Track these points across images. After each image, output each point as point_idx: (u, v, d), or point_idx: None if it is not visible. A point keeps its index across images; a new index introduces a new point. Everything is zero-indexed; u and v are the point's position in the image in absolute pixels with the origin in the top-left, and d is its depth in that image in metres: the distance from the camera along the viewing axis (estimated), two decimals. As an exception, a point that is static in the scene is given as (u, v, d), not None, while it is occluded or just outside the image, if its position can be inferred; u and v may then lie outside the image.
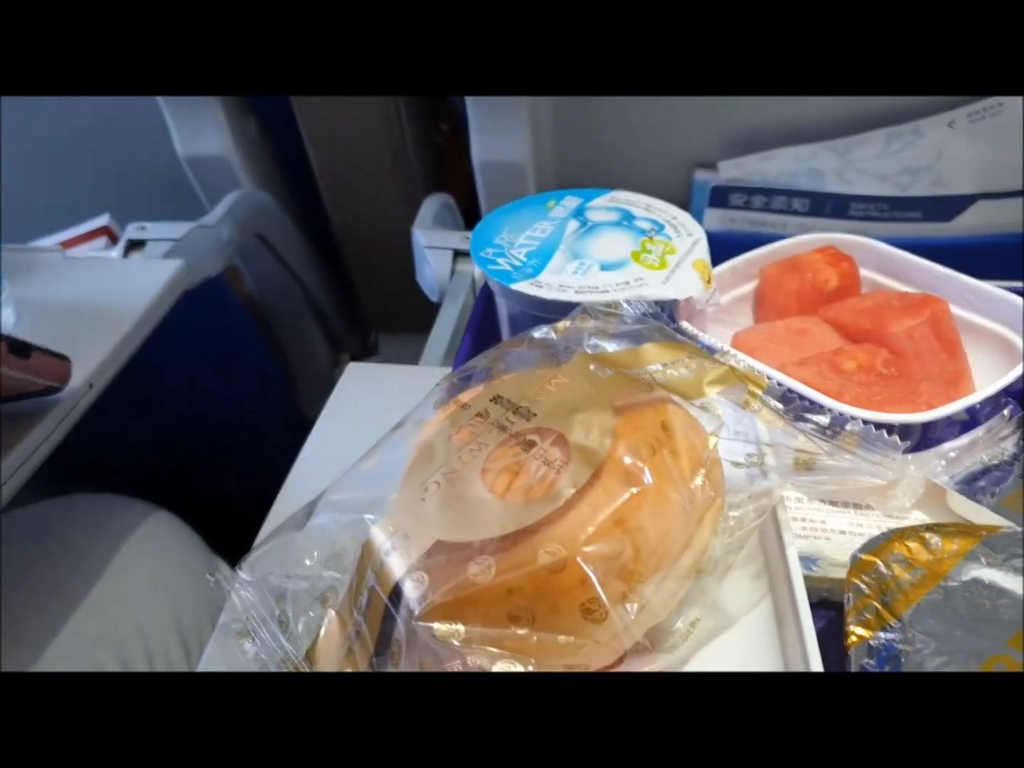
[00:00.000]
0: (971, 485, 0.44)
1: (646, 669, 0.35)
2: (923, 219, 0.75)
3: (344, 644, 0.34)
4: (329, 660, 0.34)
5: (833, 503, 0.45)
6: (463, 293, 0.63)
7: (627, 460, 0.33)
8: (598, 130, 0.75)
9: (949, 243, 0.76)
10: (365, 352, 0.90)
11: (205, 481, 0.75)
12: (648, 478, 0.33)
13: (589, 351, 0.40)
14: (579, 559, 0.31)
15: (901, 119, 0.71)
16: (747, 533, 0.36)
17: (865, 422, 0.37)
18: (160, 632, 0.63)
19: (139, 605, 0.65)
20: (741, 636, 0.37)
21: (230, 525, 0.61)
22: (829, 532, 0.43)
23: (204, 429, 0.78)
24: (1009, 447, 0.46)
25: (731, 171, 0.74)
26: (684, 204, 0.77)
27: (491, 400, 0.37)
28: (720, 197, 0.75)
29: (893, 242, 0.61)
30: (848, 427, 0.37)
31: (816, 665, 0.33)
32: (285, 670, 0.34)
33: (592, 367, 0.38)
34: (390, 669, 0.32)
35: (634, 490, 0.33)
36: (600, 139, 0.75)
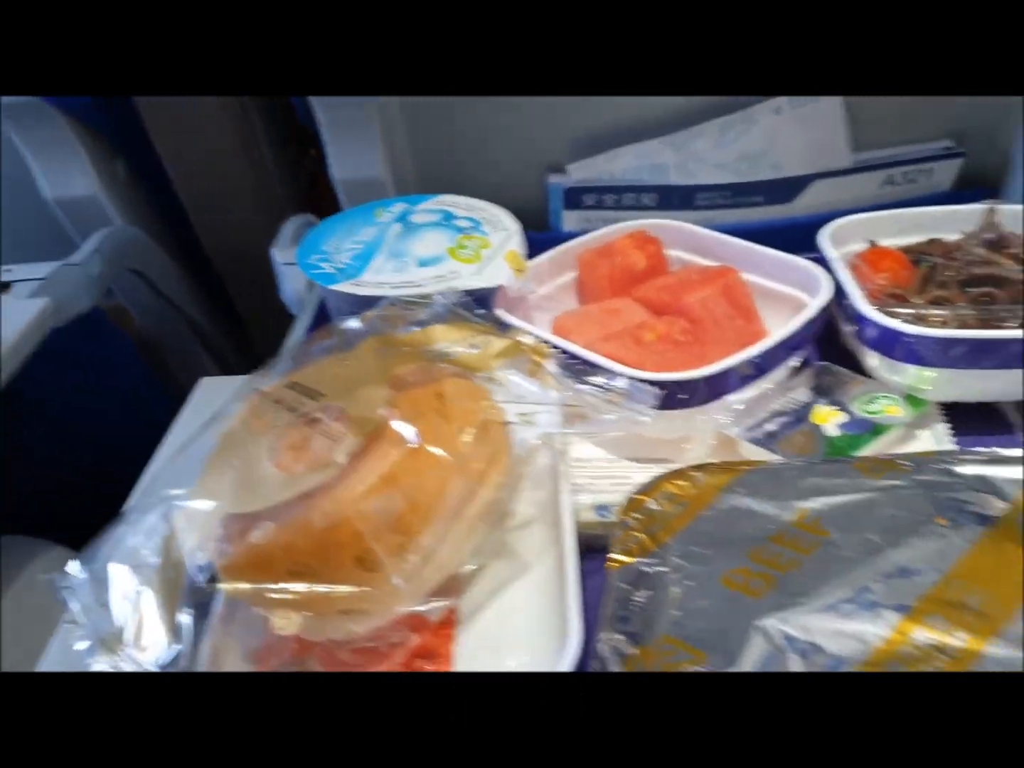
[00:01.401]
0: (758, 431, 0.48)
1: (440, 608, 0.38)
2: (766, 202, 0.80)
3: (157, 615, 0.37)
4: (142, 631, 0.37)
5: (639, 461, 0.49)
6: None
7: (399, 426, 0.37)
8: (453, 142, 0.78)
9: (793, 222, 0.81)
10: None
11: (106, 513, 0.77)
12: (416, 440, 0.36)
13: (388, 335, 0.44)
14: (351, 516, 0.35)
15: (731, 109, 0.75)
16: (517, 479, 0.39)
17: (631, 379, 0.41)
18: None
19: (35, 636, 0.67)
20: (533, 580, 0.41)
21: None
22: (633, 485, 0.47)
23: (101, 465, 0.81)
24: (800, 396, 0.50)
25: (580, 172, 0.78)
26: (542, 208, 0.81)
27: (287, 387, 0.41)
28: (574, 198, 0.79)
29: (740, 227, 0.66)
30: (615, 384, 0.41)
31: (574, 591, 0.36)
32: (106, 647, 0.37)
33: (377, 348, 0.41)
34: (185, 619, 0.35)
35: (404, 451, 0.36)
36: (456, 151, 0.79)
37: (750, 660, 0.33)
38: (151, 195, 0.83)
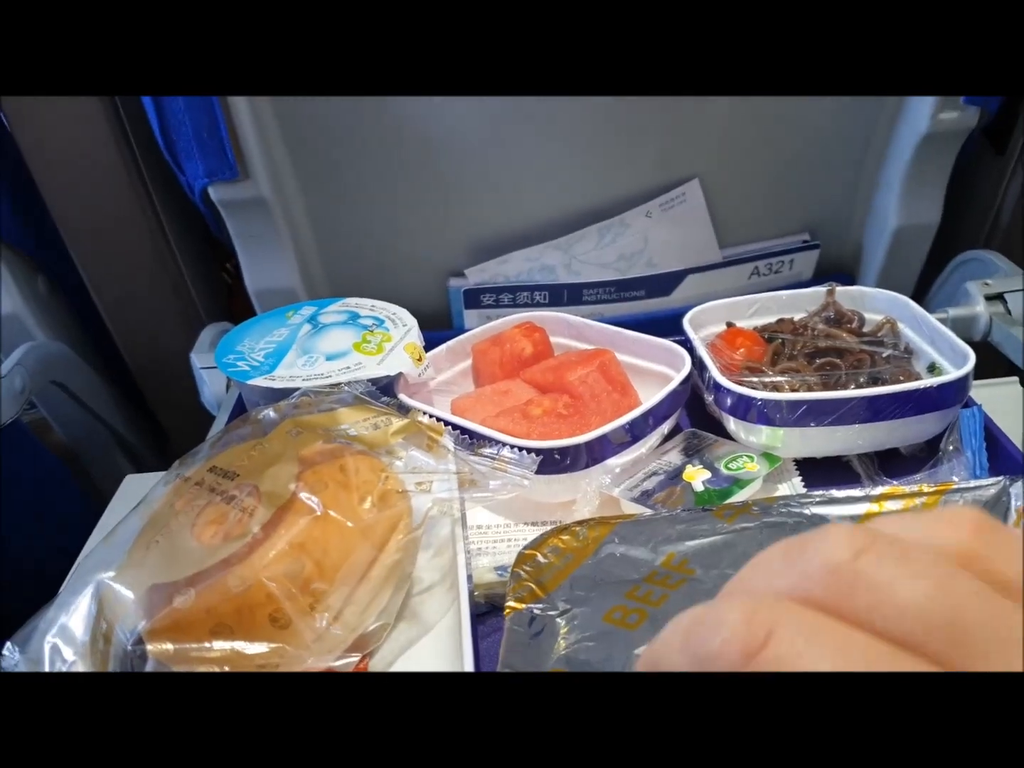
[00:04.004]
0: (636, 491, 0.54)
1: (349, 664, 0.41)
2: (647, 296, 0.89)
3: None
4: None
5: (534, 524, 0.54)
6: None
7: (305, 497, 0.41)
8: (361, 252, 0.85)
9: (672, 313, 0.89)
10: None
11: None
12: (319, 508, 0.41)
13: (300, 418, 0.49)
14: (263, 579, 0.39)
15: (609, 214, 0.84)
16: (414, 541, 0.44)
17: (516, 448, 0.47)
18: None
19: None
20: (436, 638, 0.45)
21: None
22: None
23: (25, 582, 0.81)
24: (674, 459, 0.57)
25: (477, 276, 0.86)
26: (445, 309, 0.88)
27: (208, 471, 0.45)
28: (473, 299, 0.86)
29: (625, 319, 0.72)
30: (501, 453, 0.47)
31: (468, 647, 0.40)
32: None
33: (289, 430, 0.46)
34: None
35: (310, 519, 0.41)
36: (363, 259, 0.85)
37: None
38: (72, 308, 0.87)
